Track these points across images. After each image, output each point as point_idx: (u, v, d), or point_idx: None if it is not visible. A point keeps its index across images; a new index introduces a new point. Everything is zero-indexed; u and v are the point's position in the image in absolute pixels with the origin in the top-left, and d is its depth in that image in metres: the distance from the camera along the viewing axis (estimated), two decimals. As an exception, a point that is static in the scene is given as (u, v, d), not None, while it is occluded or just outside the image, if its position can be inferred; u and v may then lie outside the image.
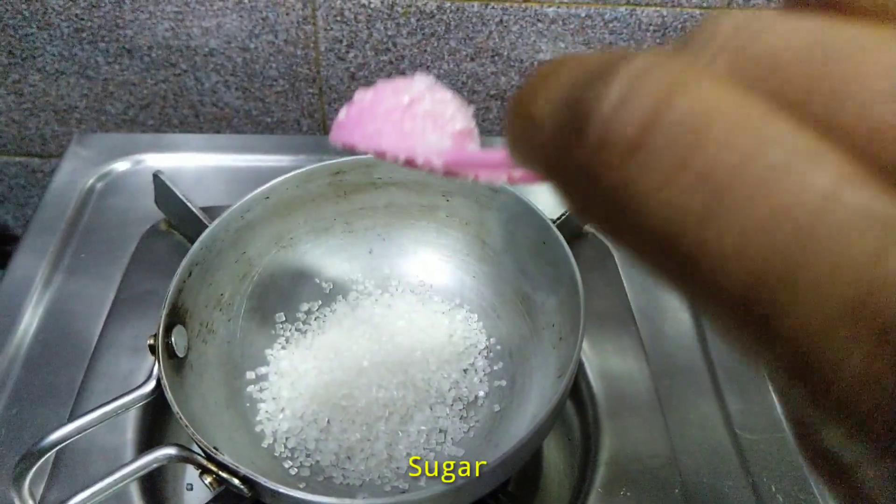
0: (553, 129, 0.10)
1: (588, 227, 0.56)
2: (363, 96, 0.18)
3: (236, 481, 0.35)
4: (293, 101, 0.72)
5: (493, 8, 0.65)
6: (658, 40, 0.67)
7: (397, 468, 0.42)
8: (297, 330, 0.48)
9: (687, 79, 0.09)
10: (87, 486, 0.34)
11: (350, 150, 0.19)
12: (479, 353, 0.47)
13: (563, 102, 0.10)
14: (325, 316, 0.49)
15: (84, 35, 0.67)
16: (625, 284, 0.54)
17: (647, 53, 0.10)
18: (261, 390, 0.45)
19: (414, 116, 0.17)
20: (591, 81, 0.10)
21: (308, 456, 0.42)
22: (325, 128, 0.75)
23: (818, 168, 0.09)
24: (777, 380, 0.10)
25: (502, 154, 0.15)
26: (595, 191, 0.10)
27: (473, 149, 0.17)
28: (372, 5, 0.65)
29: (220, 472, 0.35)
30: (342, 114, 0.19)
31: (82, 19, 0.66)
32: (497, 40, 0.67)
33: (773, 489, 0.43)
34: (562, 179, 0.10)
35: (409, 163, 0.17)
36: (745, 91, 0.09)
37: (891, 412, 0.08)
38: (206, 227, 0.44)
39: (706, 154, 0.09)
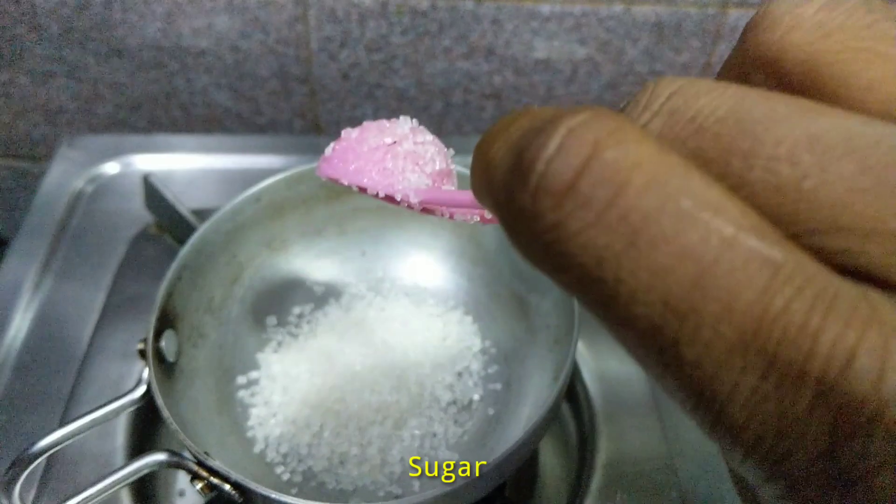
0: (504, 171, 0.11)
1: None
2: (349, 134, 0.20)
3: (227, 487, 0.34)
4: (285, 102, 0.72)
5: (486, 6, 0.64)
6: (653, 38, 0.67)
7: (391, 473, 0.42)
8: (288, 334, 0.48)
9: (616, 134, 0.10)
10: (78, 492, 0.33)
11: (335, 183, 0.20)
12: (474, 356, 0.47)
13: (513, 149, 0.11)
14: (317, 319, 0.49)
15: (73, 36, 0.67)
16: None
17: (587, 109, 0.11)
18: (252, 395, 0.45)
19: (396, 156, 0.19)
20: (537, 132, 0.11)
21: (300, 461, 0.42)
22: (317, 128, 0.74)
23: (721, 217, 0.10)
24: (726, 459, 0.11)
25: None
26: (535, 229, 0.11)
27: (450, 189, 0.19)
28: (364, 4, 0.64)
29: (212, 478, 0.35)
30: (328, 149, 0.20)
31: (71, 20, 0.65)
32: (491, 39, 0.67)
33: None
34: (509, 218, 0.12)
35: (389, 199, 0.19)
36: (667, 148, 0.11)
37: (775, 435, 0.10)
38: (197, 229, 0.44)
39: (625, 200, 0.10)
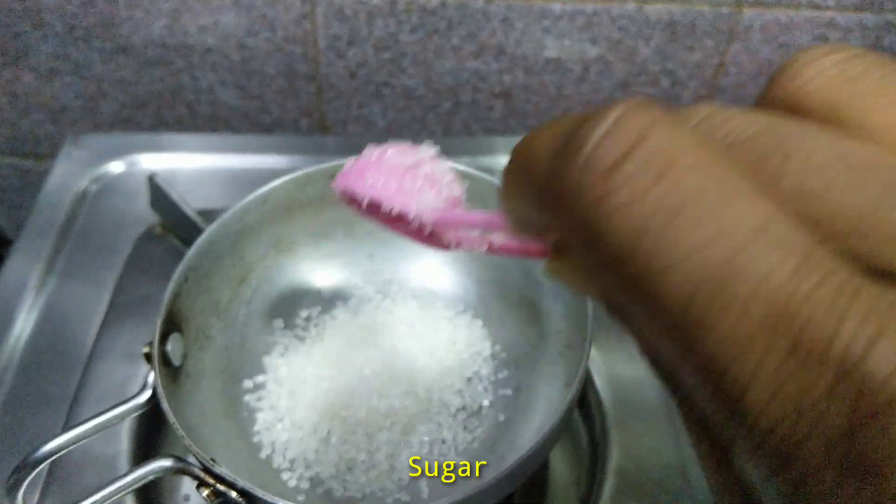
0: (550, 156, 0.12)
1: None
2: (371, 152, 0.20)
3: (234, 494, 0.34)
4: (292, 100, 0.71)
5: (497, 4, 0.63)
6: (666, 37, 0.66)
7: (399, 480, 0.41)
8: (295, 337, 0.47)
9: (664, 122, 0.11)
10: (82, 499, 0.33)
11: (348, 201, 0.21)
12: (484, 361, 0.46)
13: (560, 135, 0.12)
14: (324, 322, 0.48)
15: (78, 33, 0.66)
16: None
17: (637, 99, 0.12)
18: (259, 399, 0.44)
19: (415, 177, 0.19)
20: (586, 119, 0.12)
21: (307, 467, 0.41)
22: (324, 127, 0.73)
23: (754, 205, 0.11)
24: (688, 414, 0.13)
25: (491, 216, 0.17)
26: (576, 208, 0.12)
27: (462, 212, 0.20)
28: (372, 2, 0.63)
29: (218, 485, 0.34)
30: (348, 163, 0.20)
31: (76, 17, 0.65)
32: (501, 37, 0.66)
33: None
34: (550, 201, 0.12)
35: (401, 217, 0.19)
36: (709, 139, 0.12)
37: (794, 417, 0.10)
38: (203, 230, 0.43)
39: (667, 182, 0.11)
